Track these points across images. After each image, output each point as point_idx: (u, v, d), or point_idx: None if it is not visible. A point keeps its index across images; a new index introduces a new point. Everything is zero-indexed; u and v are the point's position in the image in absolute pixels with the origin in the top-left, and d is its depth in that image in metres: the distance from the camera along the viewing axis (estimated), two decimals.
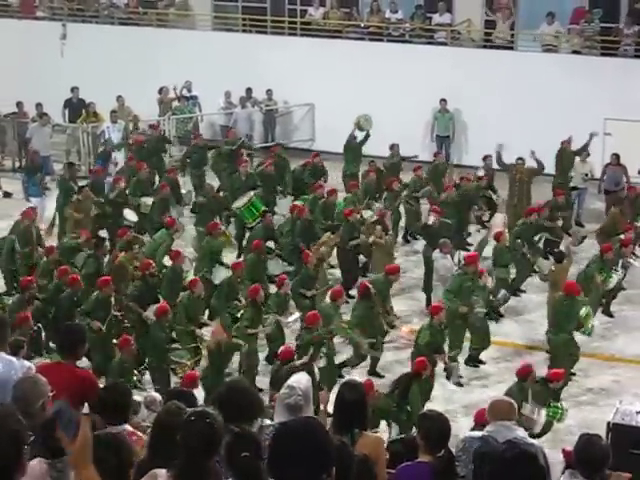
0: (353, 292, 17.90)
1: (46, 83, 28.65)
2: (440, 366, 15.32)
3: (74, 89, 28.24)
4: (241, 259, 19.03)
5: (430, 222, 19.58)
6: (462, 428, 11.88)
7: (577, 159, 22.85)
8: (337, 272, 19.55)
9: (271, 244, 19.52)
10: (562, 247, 18.54)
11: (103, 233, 20.66)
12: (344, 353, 16.31)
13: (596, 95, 24.71)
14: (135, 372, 14.77)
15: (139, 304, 16.23)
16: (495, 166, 22.43)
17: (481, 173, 22.38)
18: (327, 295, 16.90)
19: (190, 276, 17.41)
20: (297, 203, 20.93)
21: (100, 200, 21.05)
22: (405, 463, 7.18)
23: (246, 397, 6.61)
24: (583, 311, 15.92)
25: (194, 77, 28.04)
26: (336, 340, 15.89)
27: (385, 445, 7.61)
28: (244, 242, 20.35)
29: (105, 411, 7.17)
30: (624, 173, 22.66)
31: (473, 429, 10.85)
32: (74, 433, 5.17)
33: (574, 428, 13.63)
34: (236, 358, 15.70)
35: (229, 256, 19.57)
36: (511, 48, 27.64)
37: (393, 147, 23.48)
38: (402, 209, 21.67)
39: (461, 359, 16.43)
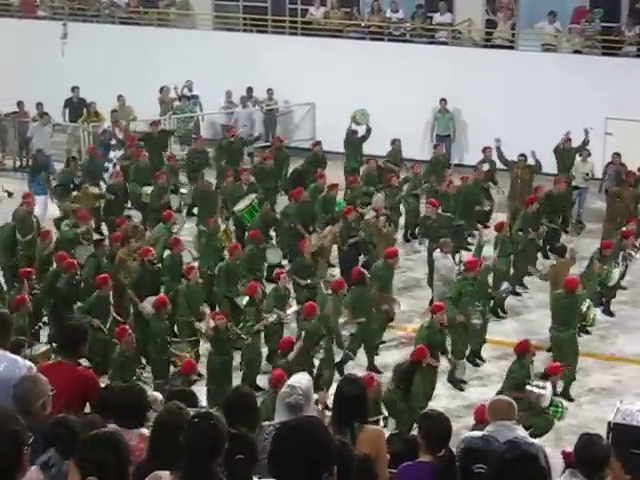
0: None
1: (47, 82, 28.63)
2: (440, 367, 15.36)
3: (74, 88, 28.23)
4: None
5: (427, 213, 19.68)
6: (463, 428, 11.88)
7: (578, 159, 22.89)
8: (337, 271, 19.55)
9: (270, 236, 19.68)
10: (567, 248, 18.48)
11: (103, 228, 20.82)
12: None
13: (597, 95, 24.71)
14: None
15: (138, 292, 16.39)
16: (495, 158, 22.54)
17: (486, 167, 22.43)
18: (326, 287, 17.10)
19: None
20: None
21: (100, 193, 21.19)
22: (406, 463, 7.18)
23: (246, 406, 6.67)
24: (584, 305, 15.98)
25: (195, 76, 28.04)
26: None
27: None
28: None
29: (121, 414, 7.08)
30: (625, 171, 22.67)
31: (474, 428, 10.86)
32: None
33: (575, 428, 13.64)
34: (237, 359, 15.73)
35: None
36: (512, 48, 27.63)
37: (394, 142, 23.56)
38: (402, 207, 21.71)
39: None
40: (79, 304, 16.14)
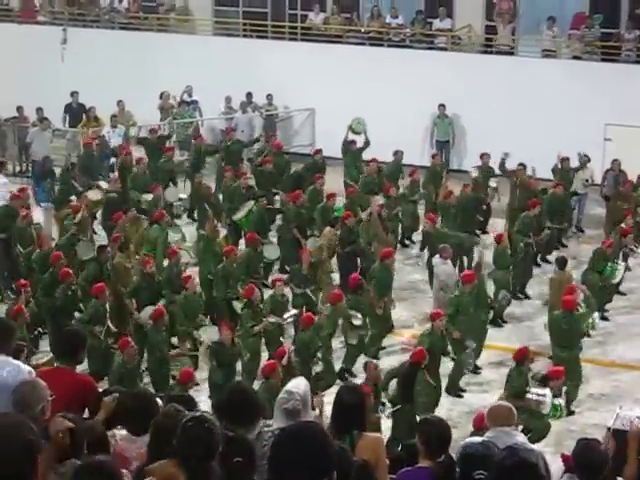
0: None
1: (46, 88, 28.64)
2: (443, 369, 15.36)
3: (74, 93, 28.24)
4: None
5: (425, 228, 19.68)
6: (462, 434, 11.86)
7: (576, 164, 22.85)
8: (336, 276, 19.54)
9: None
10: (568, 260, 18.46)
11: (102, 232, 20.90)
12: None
13: (596, 100, 24.71)
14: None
15: (138, 301, 16.45)
16: (493, 165, 22.49)
17: (475, 174, 22.34)
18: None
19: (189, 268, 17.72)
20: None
21: (98, 199, 21.23)
22: (405, 468, 7.17)
23: (246, 400, 6.62)
24: (590, 321, 15.92)
25: (194, 82, 28.05)
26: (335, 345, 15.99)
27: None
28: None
29: (131, 421, 7.03)
30: (624, 179, 22.65)
31: (473, 434, 10.84)
32: None
33: (575, 433, 13.62)
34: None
35: None
36: (511, 54, 27.65)
37: (397, 153, 23.45)
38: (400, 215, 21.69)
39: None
40: (77, 314, 16.17)
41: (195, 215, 22.48)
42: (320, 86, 27.61)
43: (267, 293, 17.11)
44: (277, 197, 22.69)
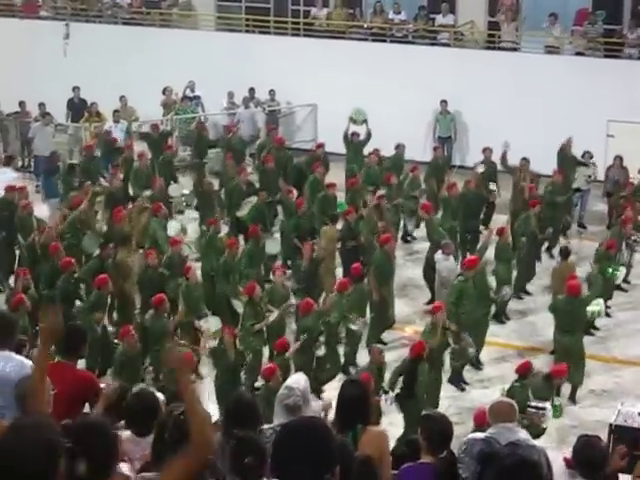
0: None
1: (49, 83, 28.63)
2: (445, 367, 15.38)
3: (75, 88, 28.25)
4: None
5: (421, 216, 19.71)
6: (464, 430, 11.87)
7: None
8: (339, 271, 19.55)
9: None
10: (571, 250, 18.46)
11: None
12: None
13: (599, 97, 24.68)
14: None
15: (142, 294, 16.67)
16: (495, 160, 22.44)
17: (481, 169, 22.31)
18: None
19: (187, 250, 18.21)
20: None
21: (99, 190, 21.24)
22: (407, 464, 7.18)
23: (250, 408, 6.65)
24: (590, 308, 15.94)
25: (197, 77, 28.04)
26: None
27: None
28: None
29: (135, 422, 7.00)
30: (626, 175, 22.64)
31: (474, 431, 10.85)
32: None
33: (576, 430, 13.62)
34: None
35: None
36: (514, 50, 27.62)
37: (398, 147, 23.46)
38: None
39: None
40: (78, 303, 16.19)
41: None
42: (322, 82, 27.58)
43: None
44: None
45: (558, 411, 13.78)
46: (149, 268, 16.81)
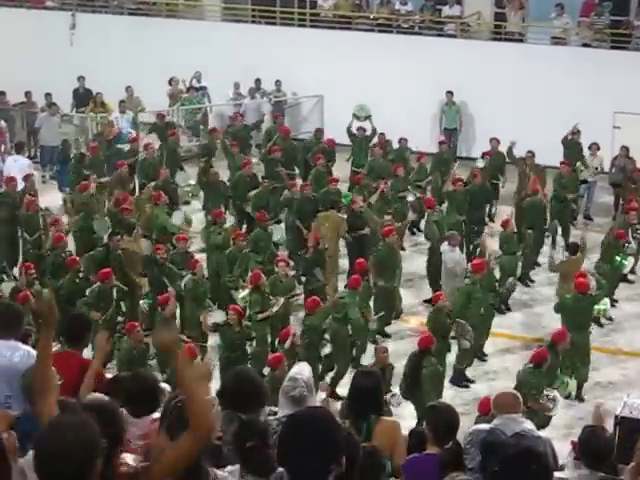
0: None
1: (55, 73, 28.62)
2: (448, 362, 15.37)
3: (80, 78, 28.26)
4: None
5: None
6: (470, 421, 11.87)
7: (587, 152, 22.80)
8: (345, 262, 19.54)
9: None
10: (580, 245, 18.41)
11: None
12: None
13: (605, 88, 24.62)
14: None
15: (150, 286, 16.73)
16: (501, 149, 22.47)
17: (481, 164, 22.26)
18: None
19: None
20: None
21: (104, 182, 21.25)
22: (413, 455, 7.18)
23: (252, 385, 6.59)
24: (597, 306, 15.91)
25: (203, 68, 28.02)
26: None
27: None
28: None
29: (133, 403, 6.99)
30: (633, 164, 22.60)
31: (477, 420, 10.87)
32: None
33: (582, 421, 13.60)
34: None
35: None
36: (521, 41, 27.56)
37: (401, 141, 23.41)
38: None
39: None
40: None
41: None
42: (329, 73, 27.54)
43: None
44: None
45: (566, 384, 13.84)
46: (159, 264, 16.79)
